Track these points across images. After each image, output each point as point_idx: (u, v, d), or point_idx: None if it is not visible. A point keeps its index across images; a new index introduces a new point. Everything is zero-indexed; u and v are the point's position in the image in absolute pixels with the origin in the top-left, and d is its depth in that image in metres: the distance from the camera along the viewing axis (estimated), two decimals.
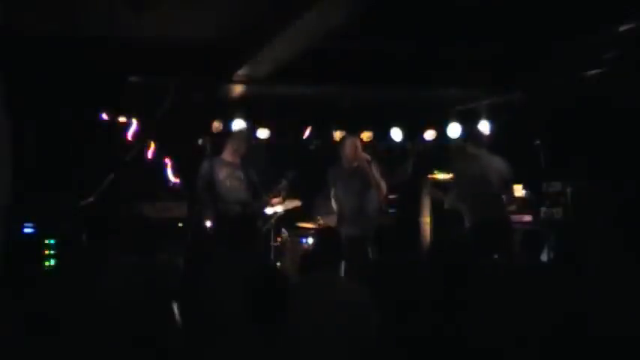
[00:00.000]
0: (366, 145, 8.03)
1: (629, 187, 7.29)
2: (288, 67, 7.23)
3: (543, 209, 8.06)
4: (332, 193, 7.49)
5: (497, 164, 7.38)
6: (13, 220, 6.49)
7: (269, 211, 7.70)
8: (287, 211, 7.87)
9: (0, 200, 5.92)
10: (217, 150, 7.58)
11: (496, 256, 5.22)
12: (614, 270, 4.32)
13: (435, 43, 7.16)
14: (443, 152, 9.36)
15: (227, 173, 7.39)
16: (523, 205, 8.45)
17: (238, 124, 8.24)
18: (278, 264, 7.68)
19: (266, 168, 8.03)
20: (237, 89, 8.40)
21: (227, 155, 7.52)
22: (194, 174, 7.45)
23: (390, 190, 8.00)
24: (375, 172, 7.33)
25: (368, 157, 7.37)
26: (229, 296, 3.89)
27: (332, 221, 7.84)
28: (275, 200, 7.66)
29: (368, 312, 3.87)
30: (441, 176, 9.28)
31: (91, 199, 7.12)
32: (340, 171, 7.44)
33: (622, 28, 6.23)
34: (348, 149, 7.43)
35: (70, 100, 7.33)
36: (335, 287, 4.01)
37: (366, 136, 9.36)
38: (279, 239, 7.97)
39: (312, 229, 7.90)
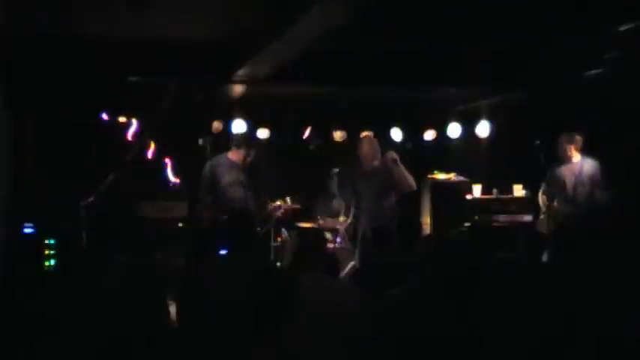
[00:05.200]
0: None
1: (629, 187, 7.29)
2: (288, 67, 7.23)
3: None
4: (342, 192, 7.30)
5: (590, 167, 7.32)
6: (13, 220, 6.50)
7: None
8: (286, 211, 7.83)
9: (0, 200, 5.94)
10: (218, 150, 7.56)
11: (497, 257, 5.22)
12: (614, 270, 4.32)
13: (435, 43, 7.16)
14: (443, 152, 9.39)
15: (231, 179, 7.20)
16: (523, 205, 8.48)
17: (238, 124, 8.22)
18: (278, 264, 7.67)
19: (266, 168, 8.01)
20: (237, 89, 8.41)
21: (233, 155, 7.32)
22: (194, 174, 7.43)
23: None
24: (403, 169, 7.10)
25: (395, 155, 7.10)
26: (229, 297, 3.89)
27: (333, 222, 7.84)
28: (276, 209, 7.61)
29: (355, 312, 3.85)
30: (441, 176, 9.28)
31: (91, 199, 7.12)
32: (359, 171, 7.25)
33: (622, 28, 6.23)
34: (366, 149, 7.23)
35: (70, 100, 7.35)
36: (322, 288, 3.99)
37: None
38: (279, 239, 7.95)
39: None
